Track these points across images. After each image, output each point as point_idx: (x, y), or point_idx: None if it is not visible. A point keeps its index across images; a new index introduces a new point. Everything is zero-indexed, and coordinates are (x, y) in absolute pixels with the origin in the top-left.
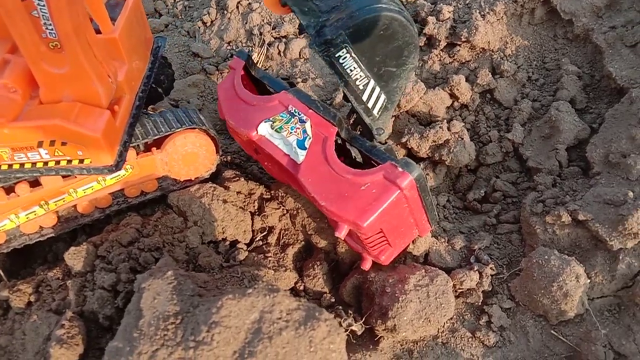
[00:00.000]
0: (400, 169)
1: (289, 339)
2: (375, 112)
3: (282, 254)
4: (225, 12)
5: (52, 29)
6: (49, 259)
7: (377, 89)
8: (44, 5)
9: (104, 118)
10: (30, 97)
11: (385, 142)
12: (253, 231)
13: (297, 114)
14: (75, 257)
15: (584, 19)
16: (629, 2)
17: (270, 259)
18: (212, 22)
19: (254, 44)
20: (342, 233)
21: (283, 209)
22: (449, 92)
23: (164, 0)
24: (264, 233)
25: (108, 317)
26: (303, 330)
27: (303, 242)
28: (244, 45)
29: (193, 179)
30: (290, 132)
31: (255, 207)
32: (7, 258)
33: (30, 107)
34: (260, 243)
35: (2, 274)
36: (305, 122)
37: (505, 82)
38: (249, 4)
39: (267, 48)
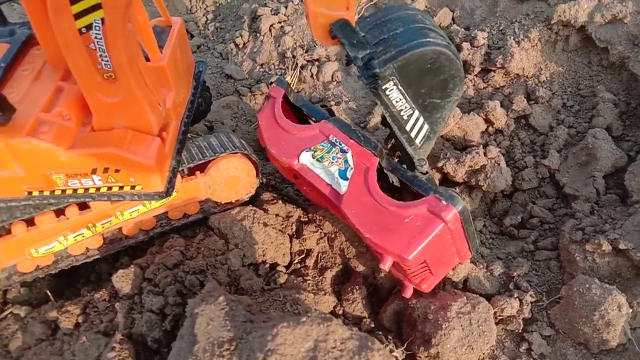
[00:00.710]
0: (444, 202)
1: None
2: (417, 141)
3: (321, 277)
4: (258, 34)
5: (107, 61)
6: (92, 279)
7: (421, 120)
8: (101, 39)
9: (155, 145)
10: (82, 124)
11: (427, 172)
12: (291, 254)
13: (338, 143)
14: (123, 280)
15: (620, 47)
16: None
17: (309, 282)
18: (244, 44)
19: (287, 67)
20: (386, 265)
21: (321, 232)
22: (484, 117)
23: (195, 21)
24: (302, 256)
25: (156, 340)
26: (357, 359)
27: (341, 266)
28: (276, 67)
29: (234, 201)
30: (332, 162)
31: (293, 230)
32: (52, 277)
33: (83, 134)
34: (299, 266)
35: (50, 294)
36: (346, 152)
37: (540, 108)
38: (282, 27)
39: (299, 71)
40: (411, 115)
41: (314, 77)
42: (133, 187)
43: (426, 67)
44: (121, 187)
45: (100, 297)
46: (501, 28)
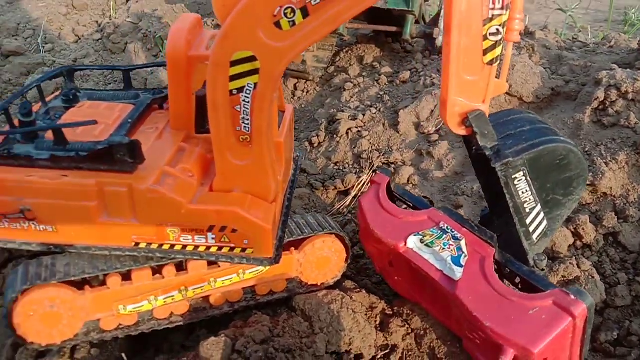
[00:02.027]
0: (572, 297)
1: None
2: (534, 237)
3: None
4: (335, 136)
5: (247, 124)
6: (165, 349)
7: (542, 215)
8: (248, 102)
9: (272, 211)
10: (201, 184)
11: (543, 269)
12: (375, 347)
13: (449, 230)
14: (213, 349)
15: None
16: None
17: None
18: (319, 143)
19: (363, 167)
20: (508, 358)
21: (408, 328)
22: (573, 230)
23: None
24: (386, 351)
25: None
26: None
27: None
28: (350, 166)
29: (319, 284)
30: (444, 248)
31: (377, 322)
32: (123, 342)
33: (201, 193)
34: None
35: (125, 358)
36: (459, 240)
37: (630, 227)
38: (359, 131)
39: (375, 172)
40: (533, 208)
41: (392, 171)
42: (244, 250)
43: (555, 162)
44: (232, 249)
45: None
46: (587, 149)
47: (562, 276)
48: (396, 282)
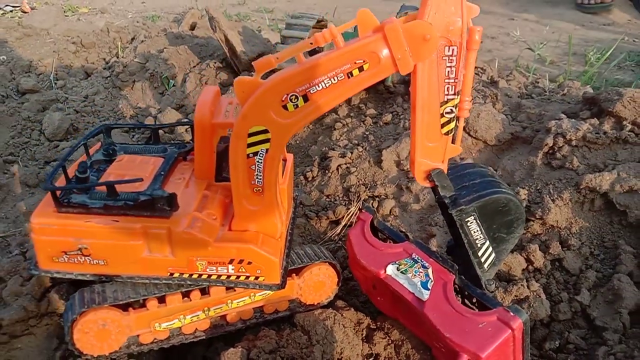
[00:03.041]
0: (512, 314)
1: None
2: (485, 266)
3: None
4: (327, 171)
5: (260, 179)
6: (188, 359)
7: (490, 249)
8: (261, 163)
9: (278, 247)
10: (222, 225)
11: (492, 292)
12: (361, 356)
13: (419, 260)
14: (232, 357)
15: (637, 211)
16: None
17: None
18: (313, 177)
19: (351, 200)
20: None
21: (388, 339)
22: (525, 257)
23: None
24: (371, 359)
25: None
26: None
27: None
28: (341, 199)
29: (315, 303)
30: (415, 275)
31: (363, 335)
32: (155, 355)
33: (222, 232)
34: None
35: None
36: (427, 268)
37: (572, 254)
38: (347, 167)
39: (362, 203)
40: (483, 244)
41: (378, 215)
42: (257, 278)
43: (499, 208)
44: (247, 277)
45: None
46: (538, 188)
47: (515, 295)
48: (379, 302)
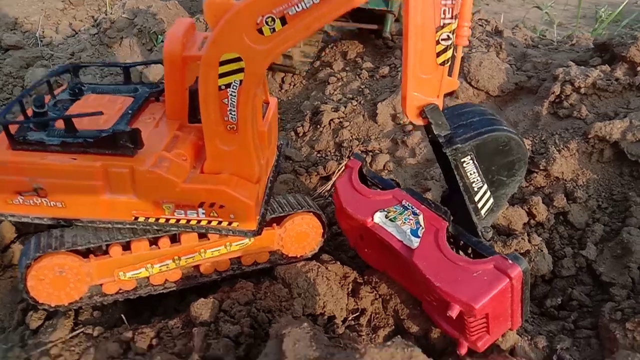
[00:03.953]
0: (510, 261)
1: None
2: (482, 212)
3: (374, 335)
4: (319, 126)
5: (234, 115)
6: (159, 312)
7: (488, 193)
8: (234, 96)
9: (255, 190)
10: (193, 167)
11: (490, 240)
12: (347, 311)
13: (410, 207)
14: (202, 308)
15: None
16: None
17: (362, 338)
18: (304, 133)
19: (343, 155)
20: (454, 312)
21: (376, 294)
22: (527, 210)
23: None
24: (356, 314)
25: None
26: None
27: (393, 327)
28: (332, 154)
29: (298, 256)
30: (404, 222)
31: (350, 289)
32: (123, 306)
33: (193, 174)
34: (353, 323)
35: (124, 318)
36: (418, 215)
37: (578, 207)
38: (340, 122)
39: (352, 153)
40: (480, 187)
41: (368, 164)
42: (230, 224)
43: (499, 148)
44: (219, 222)
45: (174, 325)
46: (543, 138)
47: (515, 249)
48: (366, 254)
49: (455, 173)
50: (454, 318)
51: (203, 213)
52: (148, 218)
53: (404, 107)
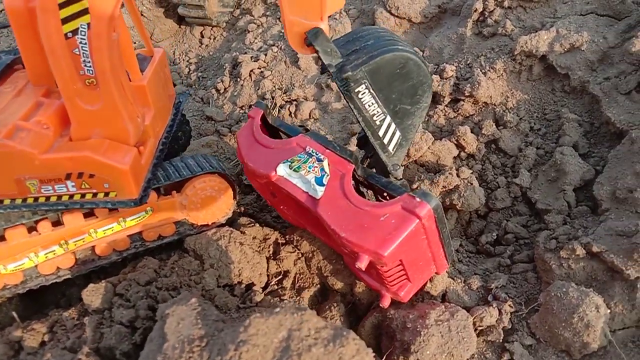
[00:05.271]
0: (418, 199)
1: (318, 355)
2: (390, 148)
3: (298, 297)
4: (239, 79)
5: (90, 67)
6: (62, 304)
7: (393, 126)
8: (85, 44)
9: (131, 154)
10: (60, 135)
11: (401, 179)
12: (268, 275)
13: (314, 154)
14: (93, 295)
15: (580, 72)
16: (619, 55)
17: (286, 302)
18: (225, 89)
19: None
20: (363, 263)
21: (298, 253)
22: (455, 142)
23: (178, 72)
24: (279, 277)
25: (125, 354)
26: (332, 347)
27: (319, 286)
28: None
29: (210, 223)
30: (309, 171)
31: (271, 252)
32: (20, 303)
33: (60, 143)
34: (276, 287)
35: (15, 315)
36: (322, 161)
37: (509, 132)
38: (261, 72)
39: (278, 110)
40: (383, 120)
41: (292, 115)
42: (107, 194)
43: (396, 71)
44: (95, 194)
45: (68, 316)
46: (468, 62)
47: (443, 186)
48: (283, 211)
49: (351, 106)
50: (364, 269)
51: (73, 186)
52: (14, 200)
53: (286, 34)
